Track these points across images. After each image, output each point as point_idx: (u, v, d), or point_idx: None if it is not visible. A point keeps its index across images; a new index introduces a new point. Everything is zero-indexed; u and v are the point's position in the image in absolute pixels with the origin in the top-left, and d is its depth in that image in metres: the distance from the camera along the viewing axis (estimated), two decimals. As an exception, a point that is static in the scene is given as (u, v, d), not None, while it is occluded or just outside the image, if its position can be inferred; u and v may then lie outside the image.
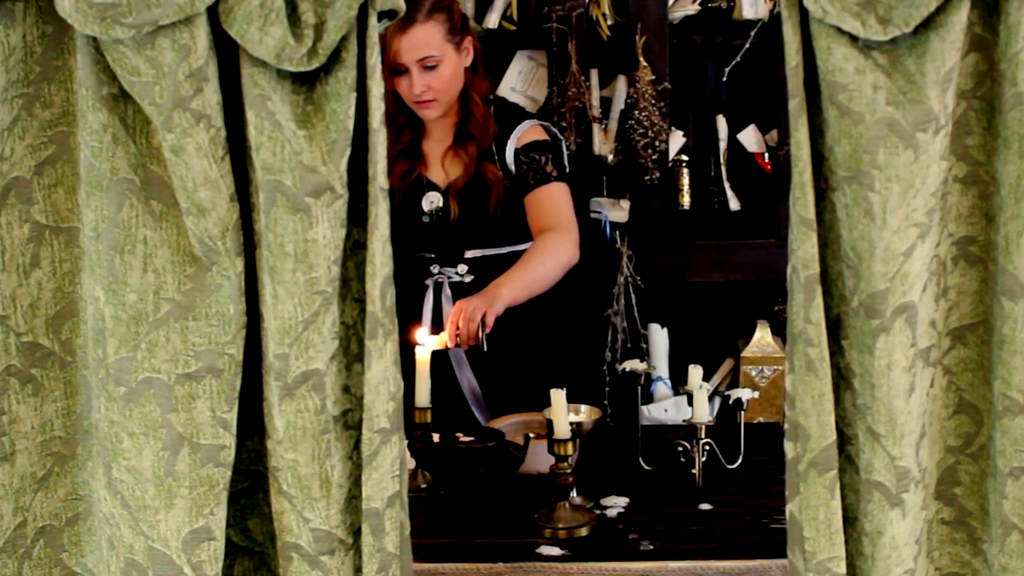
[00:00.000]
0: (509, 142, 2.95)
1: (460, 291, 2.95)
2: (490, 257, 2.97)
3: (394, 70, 2.80)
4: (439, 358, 2.84)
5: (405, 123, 2.95)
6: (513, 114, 3.09)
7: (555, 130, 3.06)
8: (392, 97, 2.88)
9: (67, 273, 1.60)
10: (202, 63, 1.44)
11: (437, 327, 2.92)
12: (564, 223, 2.90)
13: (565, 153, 3.02)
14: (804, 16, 1.45)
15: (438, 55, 2.79)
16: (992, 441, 1.58)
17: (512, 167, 2.94)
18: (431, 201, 2.94)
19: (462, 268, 2.97)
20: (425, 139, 2.98)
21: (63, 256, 1.60)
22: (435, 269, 2.99)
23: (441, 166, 2.97)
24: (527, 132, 2.96)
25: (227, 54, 1.48)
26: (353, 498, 1.57)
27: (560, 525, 2.26)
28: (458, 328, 2.65)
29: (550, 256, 2.83)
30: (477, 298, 2.68)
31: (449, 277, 2.98)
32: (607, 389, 3.60)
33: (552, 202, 2.92)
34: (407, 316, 2.94)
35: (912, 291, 1.49)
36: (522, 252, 2.92)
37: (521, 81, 3.81)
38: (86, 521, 1.67)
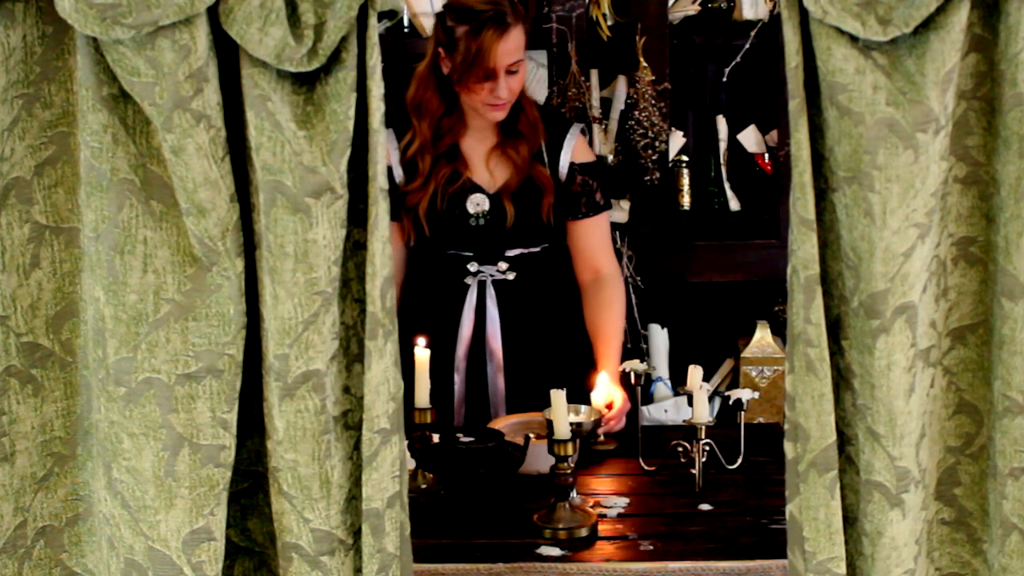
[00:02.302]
0: (563, 150, 2.94)
1: (503, 289, 2.94)
2: (528, 255, 2.95)
3: (484, 75, 2.77)
4: (474, 356, 2.96)
5: (448, 127, 2.91)
6: (555, 116, 3.07)
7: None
8: (439, 98, 2.87)
9: (67, 273, 1.60)
10: (202, 63, 1.44)
11: (479, 328, 2.95)
12: (613, 265, 3.01)
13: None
14: (804, 16, 1.45)
15: (522, 59, 2.80)
16: (992, 441, 1.58)
17: (563, 177, 2.93)
18: (476, 204, 2.90)
19: (503, 266, 2.95)
20: (463, 140, 2.94)
21: (63, 256, 1.60)
22: (473, 267, 2.95)
23: (486, 167, 2.93)
24: (579, 145, 2.96)
25: (227, 54, 1.48)
26: (353, 498, 1.57)
27: (560, 525, 2.26)
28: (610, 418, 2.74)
29: (622, 318, 3.01)
30: (621, 411, 2.76)
31: (491, 275, 2.96)
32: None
33: (601, 236, 3.00)
34: (444, 315, 2.96)
35: (912, 291, 1.49)
36: (552, 247, 2.95)
37: (521, 81, 3.80)
38: (86, 521, 1.67)
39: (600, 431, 2.66)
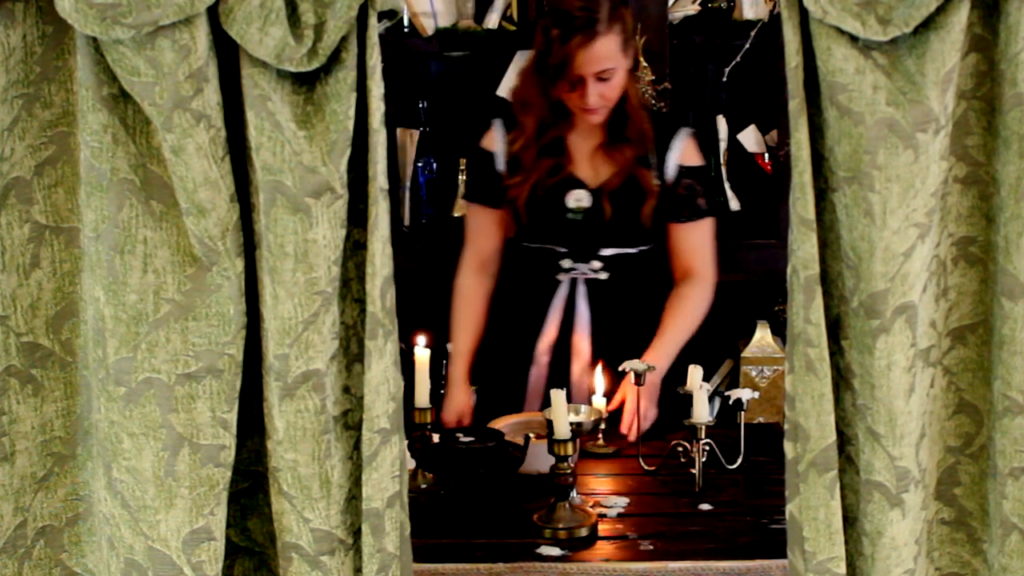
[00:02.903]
0: (671, 153, 2.92)
1: (595, 289, 2.93)
2: (624, 256, 2.94)
3: (572, 81, 2.77)
4: (557, 352, 2.95)
5: (553, 122, 2.89)
6: (664, 118, 3.04)
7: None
8: (542, 97, 2.85)
9: (67, 273, 1.60)
10: (202, 63, 1.44)
11: (567, 326, 2.94)
12: (707, 269, 2.97)
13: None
14: (804, 16, 1.45)
15: (614, 67, 2.77)
16: (992, 441, 1.58)
17: (669, 180, 2.91)
18: (577, 198, 2.89)
19: (596, 264, 2.93)
20: (570, 134, 2.92)
21: (63, 256, 1.60)
22: (567, 264, 2.94)
23: (590, 163, 2.92)
24: (687, 148, 2.94)
25: (227, 54, 1.48)
26: (353, 498, 1.57)
27: (560, 525, 2.26)
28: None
29: (692, 319, 2.95)
30: (645, 399, 2.74)
31: (584, 274, 2.94)
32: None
33: (701, 241, 2.97)
34: (530, 307, 2.96)
35: (912, 291, 1.49)
36: (651, 251, 2.94)
37: (521, 81, 3.80)
38: (86, 521, 1.67)
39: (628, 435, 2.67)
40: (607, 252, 2.93)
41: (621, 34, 2.78)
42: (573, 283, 2.95)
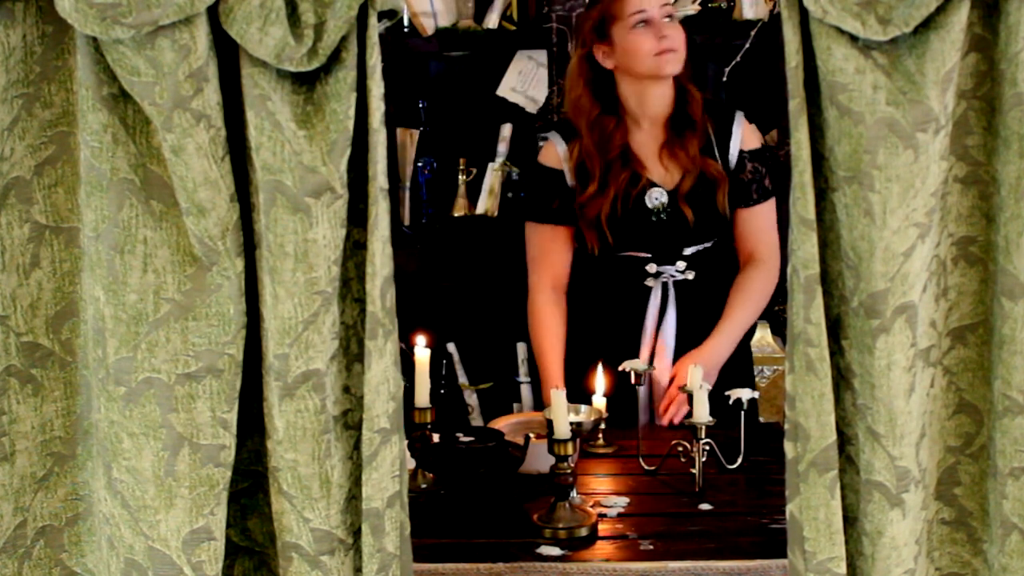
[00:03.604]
0: (732, 139, 2.91)
1: (684, 290, 2.92)
2: (703, 251, 2.93)
3: (640, 22, 2.77)
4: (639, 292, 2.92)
5: (611, 126, 2.88)
6: (716, 105, 3.02)
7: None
8: (592, 97, 2.85)
9: (67, 273, 1.60)
10: (202, 63, 1.44)
11: (659, 330, 2.92)
12: (771, 251, 2.95)
13: None
14: (804, 16, 1.45)
15: (673, 8, 2.80)
16: (992, 441, 1.58)
17: (732, 166, 2.91)
18: (655, 198, 2.88)
19: (681, 265, 2.92)
20: (632, 139, 2.90)
21: (63, 256, 1.60)
22: (652, 268, 2.92)
23: (660, 163, 2.90)
24: (747, 132, 2.94)
25: (227, 54, 1.48)
26: (353, 498, 1.57)
27: (560, 525, 2.25)
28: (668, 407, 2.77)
29: (758, 304, 2.95)
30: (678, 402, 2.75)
31: (672, 276, 2.93)
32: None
33: (767, 222, 2.96)
34: (624, 320, 2.93)
35: (912, 291, 1.49)
36: (723, 241, 2.94)
37: (521, 81, 3.81)
38: (86, 521, 1.67)
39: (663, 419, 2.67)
40: (689, 251, 2.91)
41: None
42: (664, 287, 2.93)
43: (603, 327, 2.97)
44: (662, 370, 2.92)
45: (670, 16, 2.80)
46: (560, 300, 2.99)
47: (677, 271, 2.92)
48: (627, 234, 2.88)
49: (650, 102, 2.88)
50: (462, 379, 4.01)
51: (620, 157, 2.87)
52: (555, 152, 2.94)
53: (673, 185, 2.88)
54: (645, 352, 2.94)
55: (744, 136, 2.93)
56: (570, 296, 3.00)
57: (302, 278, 1.49)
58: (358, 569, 1.59)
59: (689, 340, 2.92)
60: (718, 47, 3.71)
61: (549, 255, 2.97)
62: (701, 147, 2.87)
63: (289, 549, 1.57)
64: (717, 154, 2.89)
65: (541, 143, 3.22)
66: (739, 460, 2.50)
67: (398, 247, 1.66)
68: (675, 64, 2.82)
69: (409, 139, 3.91)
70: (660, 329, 2.94)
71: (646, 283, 2.93)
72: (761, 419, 3.48)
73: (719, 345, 2.85)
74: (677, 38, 2.80)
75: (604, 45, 2.84)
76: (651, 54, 2.79)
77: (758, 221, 2.95)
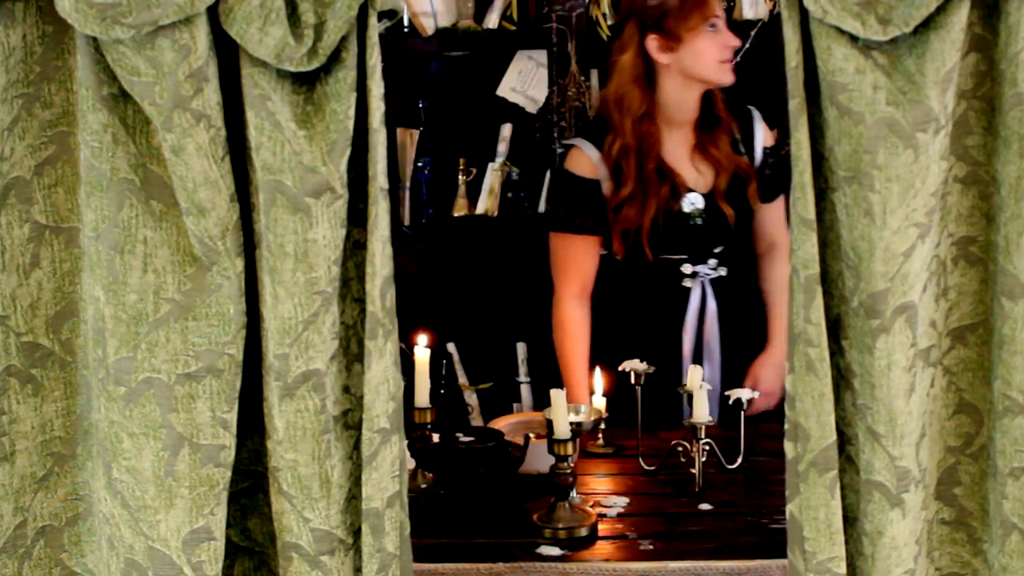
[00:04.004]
0: (756, 136, 2.94)
1: (720, 286, 2.95)
2: (728, 247, 2.95)
3: (709, 24, 2.78)
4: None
5: (647, 133, 2.85)
6: (731, 102, 3.02)
7: None
8: (641, 95, 2.83)
9: (67, 273, 1.60)
10: (202, 63, 1.44)
11: (700, 328, 2.94)
12: (786, 237, 2.94)
13: None
14: (804, 16, 1.45)
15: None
16: (992, 441, 1.58)
17: (757, 163, 2.93)
18: (691, 203, 2.88)
19: (712, 263, 2.94)
20: (663, 150, 2.88)
21: (63, 256, 1.60)
22: (688, 269, 2.92)
23: (691, 166, 2.90)
24: (765, 129, 2.96)
25: (227, 54, 1.47)
26: (353, 498, 1.57)
27: (560, 525, 2.26)
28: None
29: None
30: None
31: (708, 275, 2.94)
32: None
33: (781, 213, 2.99)
34: (664, 322, 2.94)
35: (912, 291, 1.49)
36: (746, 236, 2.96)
37: (521, 81, 3.81)
38: (86, 521, 1.67)
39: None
40: (719, 248, 2.93)
41: None
42: (702, 286, 2.94)
43: (641, 330, 2.96)
44: (712, 369, 2.93)
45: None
46: (586, 306, 2.98)
47: (711, 269, 2.94)
48: (664, 240, 2.88)
49: (690, 105, 2.87)
50: (462, 379, 4.01)
51: (657, 168, 2.85)
52: (587, 160, 2.90)
53: (706, 187, 2.88)
54: (688, 350, 2.94)
55: (765, 133, 2.96)
56: (602, 300, 2.99)
57: (302, 278, 1.49)
58: (358, 569, 1.59)
59: (732, 336, 2.95)
60: (718, 47, 3.70)
61: (577, 264, 2.95)
62: (732, 145, 2.90)
63: (289, 549, 1.57)
64: (744, 151, 2.92)
65: (562, 150, 3.18)
66: (739, 460, 2.50)
67: (398, 247, 1.66)
68: (732, 74, 2.84)
69: (409, 139, 3.91)
70: (703, 328, 2.94)
71: (683, 284, 2.93)
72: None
73: (783, 343, 2.85)
74: (735, 48, 2.83)
75: (664, 38, 2.80)
76: (716, 60, 2.80)
77: (776, 212, 2.99)
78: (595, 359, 2.92)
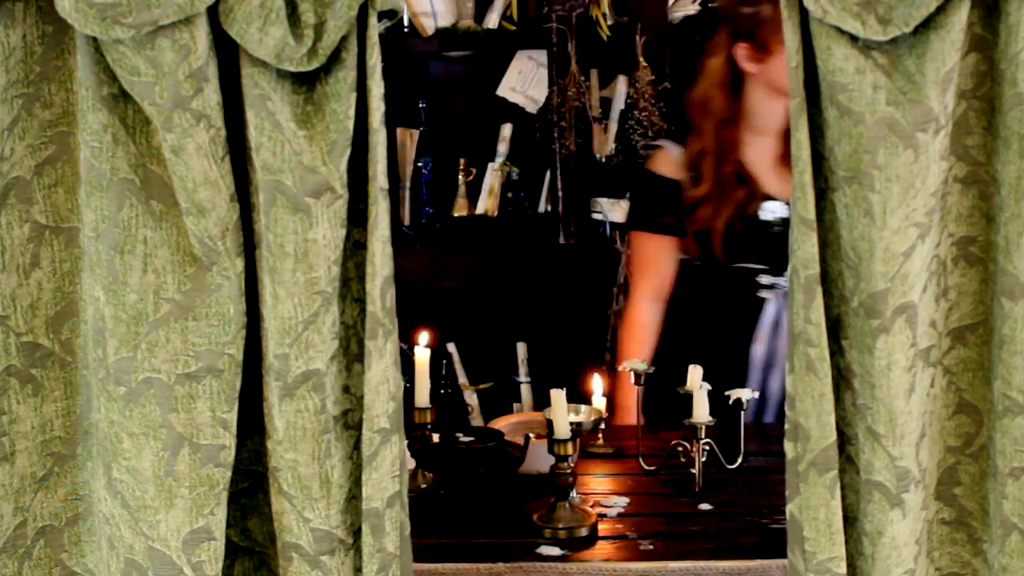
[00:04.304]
0: None
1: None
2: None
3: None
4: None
5: (729, 138, 2.84)
6: None
7: None
8: (726, 100, 2.81)
9: (67, 273, 1.60)
10: (202, 63, 1.44)
11: (773, 339, 2.89)
12: None
13: None
14: (804, 16, 1.45)
15: None
16: (992, 441, 1.58)
17: None
18: (771, 211, 2.85)
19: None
20: (745, 155, 2.87)
21: (63, 256, 1.60)
22: (766, 280, 2.89)
23: (776, 175, 2.86)
24: None
25: (227, 54, 1.47)
26: (353, 498, 1.57)
27: (560, 525, 2.26)
28: None
29: None
30: None
31: (785, 287, 2.87)
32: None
33: None
34: (734, 328, 2.90)
35: (912, 291, 1.49)
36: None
37: (521, 81, 3.82)
38: (86, 521, 1.67)
39: None
40: None
41: None
42: (780, 299, 2.89)
43: (710, 336, 2.94)
44: (779, 382, 2.89)
45: None
46: (659, 311, 2.97)
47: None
48: (741, 247, 2.85)
49: (776, 115, 2.83)
50: (462, 379, 4.01)
51: (736, 172, 2.83)
52: (671, 160, 2.90)
53: (788, 196, 2.84)
54: (759, 361, 2.90)
55: None
56: (676, 304, 2.97)
57: (302, 278, 1.49)
58: (358, 569, 1.59)
59: None
60: (718, 47, 3.70)
61: (656, 264, 2.95)
62: None
63: (289, 549, 1.57)
64: None
65: (648, 151, 3.17)
66: (739, 460, 2.50)
67: (398, 247, 1.66)
68: None
69: (409, 139, 3.91)
70: (776, 341, 2.90)
71: (759, 294, 2.90)
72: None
73: None
74: None
75: (754, 48, 2.77)
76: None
77: None
78: (659, 361, 2.88)
